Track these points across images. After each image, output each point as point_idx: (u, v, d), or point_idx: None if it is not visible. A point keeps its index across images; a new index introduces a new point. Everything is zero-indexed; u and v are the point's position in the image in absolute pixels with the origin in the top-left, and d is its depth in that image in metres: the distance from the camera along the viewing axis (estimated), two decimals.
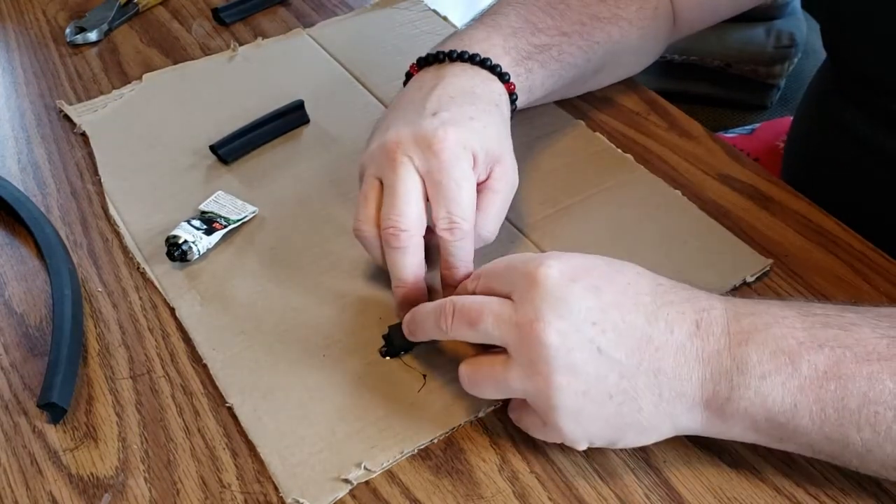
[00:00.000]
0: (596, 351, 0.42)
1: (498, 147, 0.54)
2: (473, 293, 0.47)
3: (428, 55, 0.58)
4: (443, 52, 0.57)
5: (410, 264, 0.51)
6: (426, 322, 0.47)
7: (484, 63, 0.57)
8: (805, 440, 0.42)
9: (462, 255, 0.51)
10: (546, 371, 0.42)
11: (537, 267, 0.43)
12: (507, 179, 0.54)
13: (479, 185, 0.53)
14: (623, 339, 0.42)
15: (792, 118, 0.84)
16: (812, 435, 0.41)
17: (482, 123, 0.53)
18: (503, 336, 0.43)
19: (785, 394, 0.41)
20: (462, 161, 0.51)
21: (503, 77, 0.57)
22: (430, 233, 0.52)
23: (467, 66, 0.57)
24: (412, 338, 0.49)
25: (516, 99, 0.58)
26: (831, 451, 0.42)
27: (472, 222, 0.51)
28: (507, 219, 0.60)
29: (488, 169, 0.53)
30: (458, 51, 0.57)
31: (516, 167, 0.55)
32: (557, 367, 0.42)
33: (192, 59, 0.79)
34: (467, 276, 0.50)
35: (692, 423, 0.43)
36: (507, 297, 0.44)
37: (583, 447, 0.45)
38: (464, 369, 0.46)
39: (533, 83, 0.60)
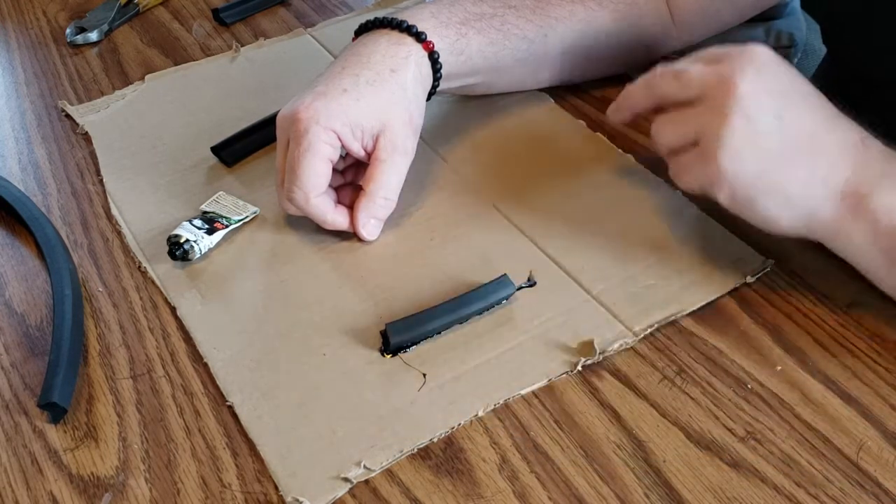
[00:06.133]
0: (777, 115, 0.47)
1: (376, 118, 0.57)
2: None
3: (360, 25, 0.62)
4: (370, 21, 0.61)
5: (319, 216, 0.57)
6: (637, 88, 0.54)
7: (398, 25, 0.59)
8: None
9: (326, 219, 0.57)
10: (728, 110, 0.47)
11: (752, 47, 0.49)
12: (390, 148, 0.57)
13: (369, 155, 0.58)
14: (802, 118, 0.48)
15: None
16: None
17: (354, 96, 0.56)
18: (703, 82, 0.49)
19: None
20: (309, 136, 0.55)
21: (419, 36, 0.59)
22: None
23: (382, 31, 0.60)
24: (618, 118, 0.58)
25: (438, 57, 0.60)
26: None
27: (308, 191, 0.56)
28: (507, 218, 0.60)
29: (371, 139, 0.57)
30: (381, 17, 0.60)
31: (409, 134, 0.58)
32: (739, 111, 0.47)
33: (193, 59, 0.79)
34: (372, 236, 0.59)
35: (826, 212, 0.48)
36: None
37: (723, 195, 0.49)
38: (658, 117, 0.52)
39: (468, 47, 0.62)
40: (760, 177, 0.48)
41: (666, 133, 0.51)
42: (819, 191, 0.48)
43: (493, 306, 0.54)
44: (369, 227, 0.58)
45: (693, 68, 0.50)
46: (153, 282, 0.58)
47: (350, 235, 0.59)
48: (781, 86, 0.48)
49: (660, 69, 0.52)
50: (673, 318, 0.53)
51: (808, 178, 0.48)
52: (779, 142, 0.47)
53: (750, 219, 0.50)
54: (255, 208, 0.61)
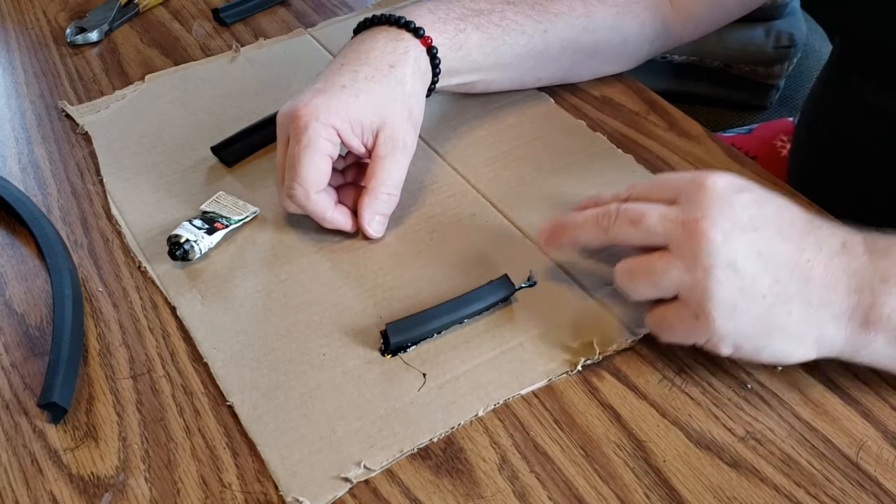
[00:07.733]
0: (756, 253, 0.44)
1: (375, 113, 0.57)
2: (626, 201, 0.49)
3: (358, 23, 0.62)
4: (368, 18, 0.61)
5: (318, 213, 0.57)
6: (585, 225, 0.50)
7: (396, 21, 0.60)
8: None
9: (326, 216, 0.57)
10: (708, 264, 0.44)
11: (706, 177, 0.46)
12: (390, 144, 0.57)
13: (369, 152, 0.58)
14: (780, 248, 0.45)
15: (799, 108, 0.84)
16: None
17: (353, 92, 0.56)
18: (667, 232, 0.46)
19: None
20: (308, 133, 0.55)
21: (417, 32, 0.59)
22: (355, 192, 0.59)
23: (380, 28, 0.60)
24: (555, 243, 0.53)
25: (437, 52, 0.60)
26: None
27: (309, 188, 0.56)
28: (507, 218, 0.60)
29: (371, 134, 0.57)
30: (378, 14, 0.60)
31: (409, 129, 0.58)
32: (719, 262, 0.44)
33: (193, 59, 0.79)
34: (377, 235, 0.58)
35: (836, 334, 0.45)
36: (671, 202, 0.47)
37: (726, 350, 0.46)
38: (621, 265, 0.48)
39: (467, 42, 0.62)
40: (760, 323, 0.45)
41: (638, 289, 0.48)
42: (820, 316, 0.45)
43: (493, 306, 0.54)
44: (374, 223, 0.58)
45: (651, 214, 0.46)
46: (153, 282, 0.58)
47: (350, 235, 0.59)
48: (748, 215, 0.45)
49: (613, 207, 0.48)
50: None
51: (805, 307, 0.45)
52: (768, 281, 0.44)
53: (759, 361, 0.47)
54: (255, 208, 0.61)
